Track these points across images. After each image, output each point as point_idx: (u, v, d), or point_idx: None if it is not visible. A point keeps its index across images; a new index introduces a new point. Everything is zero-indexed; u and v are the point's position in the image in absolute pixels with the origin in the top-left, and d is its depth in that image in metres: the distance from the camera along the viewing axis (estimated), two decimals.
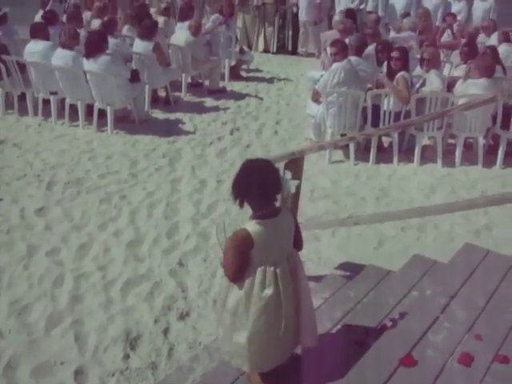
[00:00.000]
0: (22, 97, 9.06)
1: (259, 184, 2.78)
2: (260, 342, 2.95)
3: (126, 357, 4.04)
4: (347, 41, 8.26)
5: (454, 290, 3.75)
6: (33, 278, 4.92)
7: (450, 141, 7.99)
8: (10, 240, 5.49)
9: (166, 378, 3.80)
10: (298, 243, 3.08)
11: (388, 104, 7.48)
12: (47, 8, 10.76)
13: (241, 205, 2.85)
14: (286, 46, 14.62)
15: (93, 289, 4.79)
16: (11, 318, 4.40)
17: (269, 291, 2.86)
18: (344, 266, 5.10)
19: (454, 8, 13.29)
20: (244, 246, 2.81)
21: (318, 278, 4.84)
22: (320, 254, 5.37)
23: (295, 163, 4.33)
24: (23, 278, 4.91)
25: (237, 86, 11.15)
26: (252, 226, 2.82)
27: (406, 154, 7.76)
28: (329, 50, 8.70)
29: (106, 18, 9.83)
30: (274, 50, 14.44)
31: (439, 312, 3.49)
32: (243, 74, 12.05)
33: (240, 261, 2.84)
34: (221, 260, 3.02)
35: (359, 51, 8.10)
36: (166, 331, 4.31)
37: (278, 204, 3.00)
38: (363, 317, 3.77)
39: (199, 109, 9.66)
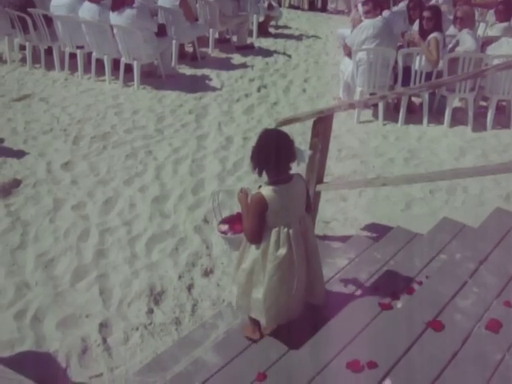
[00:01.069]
0: (49, 51, 9.03)
1: (275, 153, 2.97)
2: (274, 297, 3.13)
3: (150, 311, 4.07)
4: None
5: (484, 254, 3.67)
6: (59, 231, 4.95)
7: (482, 103, 7.79)
8: (36, 193, 5.52)
9: (189, 333, 3.81)
10: (308, 207, 3.26)
11: (420, 63, 7.28)
12: None
13: (260, 173, 3.05)
14: (316, 3, 14.34)
15: (118, 243, 4.81)
16: (38, 271, 4.45)
17: (283, 251, 3.05)
18: (370, 227, 5.05)
19: None
20: (259, 209, 3.01)
21: (343, 239, 4.80)
22: (346, 214, 5.31)
23: (324, 121, 4.25)
24: (49, 232, 4.95)
25: (265, 43, 10.99)
26: (266, 191, 3.01)
27: (437, 116, 7.59)
28: (360, 7, 8.50)
29: None
30: (306, 7, 14.16)
31: (468, 277, 3.42)
32: (271, 30, 11.86)
33: (257, 222, 3.05)
34: (218, 227, 3.51)
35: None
36: (189, 287, 4.33)
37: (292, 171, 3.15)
38: (389, 279, 3.72)
39: (226, 65, 9.55)
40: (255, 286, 3.18)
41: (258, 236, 3.07)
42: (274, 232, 3.05)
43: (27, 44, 8.98)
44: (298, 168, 3.13)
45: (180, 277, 4.42)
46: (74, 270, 4.46)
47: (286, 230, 3.05)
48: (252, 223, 3.06)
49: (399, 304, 3.39)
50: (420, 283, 3.62)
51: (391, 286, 3.61)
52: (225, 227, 3.53)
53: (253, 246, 3.13)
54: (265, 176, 3.06)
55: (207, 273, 4.48)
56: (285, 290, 3.11)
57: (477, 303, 3.18)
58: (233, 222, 3.54)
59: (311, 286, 3.27)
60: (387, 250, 4.19)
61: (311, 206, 3.37)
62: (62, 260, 4.59)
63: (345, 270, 4.00)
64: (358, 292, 3.67)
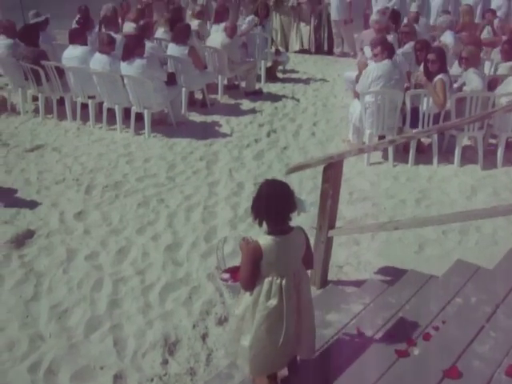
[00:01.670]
0: (61, 101, 9.18)
1: (274, 204, 3.04)
2: (260, 347, 3.16)
3: (165, 362, 4.05)
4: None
5: (500, 297, 3.64)
6: (72, 282, 4.96)
7: (491, 141, 7.80)
8: (49, 244, 5.55)
9: None
10: (308, 261, 3.30)
11: (427, 105, 7.34)
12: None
13: (260, 223, 3.10)
14: (322, 46, 14.53)
15: (131, 293, 4.80)
16: (51, 322, 4.45)
17: (273, 301, 3.10)
18: (384, 271, 5.03)
19: (494, 3, 12.92)
20: (254, 257, 3.06)
21: (357, 283, 4.78)
22: (359, 258, 5.30)
23: (334, 167, 4.28)
24: (63, 282, 4.96)
25: (273, 88, 11.11)
26: (264, 240, 3.06)
27: (446, 155, 7.61)
28: (366, 50, 8.62)
29: (142, 22, 9.91)
30: (312, 51, 14.34)
31: (485, 321, 3.38)
32: (279, 75, 12.00)
33: (250, 269, 3.09)
34: (220, 276, 3.47)
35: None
36: (204, 336, 4.30)
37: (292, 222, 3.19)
38: (405, 325, 3.69)
39: (236, 111, 9.65)
40: (243, 333, 3.22)
41: (250, 283, 3.12)
42: (266, 282, 3.10)
43: (40, 95, 9.15)
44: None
45: (194, 326, 4.40)
46: (88, 320, 4.46)
47: (278, 280, 3.09)
48: (246, 270, 3.11)
49: (416, 351, 3.35)
50: (436, 328, 3.58)
51: (407, 331, 3.57)
52: (226, 275, 3.53)
53: (247, 293, 3.18)
54: (265, 226, 3.11)
55: (221, 321, 4.45)
56: (272, 341, 3.14)
57: (495, 348, 3.13)
58: (235, 271, 3.55)
59: (300, 339, 3.27)
60: (402, 295, 4.16)
61: (312, 263, 3.41)
62: (76, 311, 4.59)
63: (360, 316, 3.97)
64: (374, 339, 3.64)
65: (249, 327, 3.17)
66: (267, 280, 3.09)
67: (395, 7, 12.46)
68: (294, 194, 3.10)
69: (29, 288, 4.88)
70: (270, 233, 3.08)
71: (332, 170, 4.27)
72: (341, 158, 4.31)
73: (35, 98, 9.52)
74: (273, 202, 3.03)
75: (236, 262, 3.57)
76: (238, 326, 3.24)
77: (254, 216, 3.11)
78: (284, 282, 3.09)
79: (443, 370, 2.97)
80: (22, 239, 5.62)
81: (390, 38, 8.98)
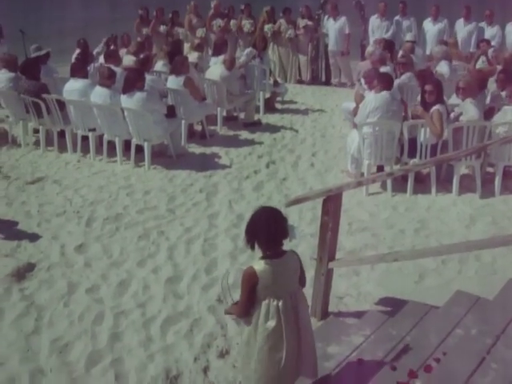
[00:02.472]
0: (62, 134, 9.25)
1: (267, 230, 3.18)
2: (264, 369, 3.28)
3: None
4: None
5: (500, 328, 3.65)
6: (73, 315, 4.96)
7: (489, 169, 7.86)
8: (50, 277, 5.57)
9: None
10: (301, 280, 3.43)
11: (425, 135, 7.40)
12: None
13: (252, 248, 3.24)
14: (320, 77, 14.67)
15: (132, 326, 4.81)
16: (52, 357, 4.44)
17: (272, 323, 3.21)
18: (384, 302, 5.03)
19: (488, 33, 13.06)
20: (250, 282, 3.19)
21: (358, 314, 4.78)
22: (359, 289, 5.30)
23: (333, 199, 4.32)
24: (64, 316, 4.96)
25: (272, 119, 11.19)
26: (258, 265, 3.21)
27: (444, 184, 7.65)
28: (362, 81, 8.73)
29: (142, 56, 10.02)
30: (308, 81, 14.48)
31: (486, 352, 3.39)
32: (278, 106, 12.10)
33: (247, 295, 3.22)
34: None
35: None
36: (205, 369, 4.30)
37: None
38: (406, 357, 3.69)
39: (235, 142, 9.71)
40: (250, 358, 3.33)
41: (246, 308, 3.25)
42: (263, 304, 3.23)
43: (41, 128, 9.22)
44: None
45: (196, 359, 4.39)
46: (89, 354, 4.46)
47: (275, 302, 3.22)
48: (242, 296, 3.23)
49: (418, 383, 3.35)
50: (437, 360, 3.58)
51: (408, 363, 3.58)
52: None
53: (248, 320, 3.30)
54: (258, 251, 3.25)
55: (223, 354, 4.45)
56: (274, 362, 3.24)
57: (496, 380, 3.14)
58: None
59: (301, 358, 3.36)
60: (402, 326, 4.17)
61: (305, 281, 3.52)
62: (77, 344, 4.59)
63: (361, 348, 3.98)
64: (376, 371, 3.64)
65: (253, 352, 3.29)
66: (264, 303, 3.22)
67: (391, 38, 12.63)
68: (286, 220, 3.24)
69: (29, 322, 4.88)
70: (263, 257, 3.23)
71: (331, 203, 4.31)
72: (340, 190, 4.36)
73: (36, 131, 9.59)
74: (265, 228, 3.17)
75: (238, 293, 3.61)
76: (246, 352, 3.35)
77: (247, 240, 3.25)
78: (281, 303, 3.22)
79: None
80: (23, 272, 5.63)
81: (387, 68, 9.08)
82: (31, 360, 4.43)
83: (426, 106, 7.51)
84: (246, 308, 3.25)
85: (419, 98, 8.07)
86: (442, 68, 10.08)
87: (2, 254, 5.99)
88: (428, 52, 12.62)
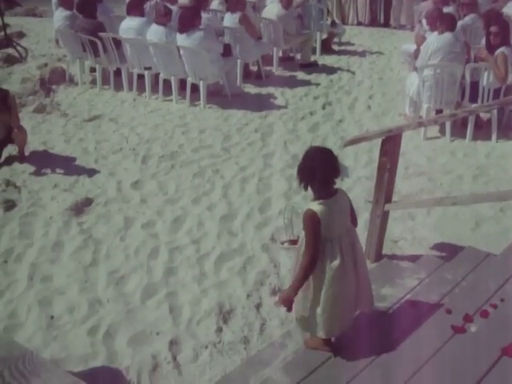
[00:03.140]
0: (118, 72, 9.30)
1: (321, 169, 3.14)
2: (331, 309, 3.26)
3: (219, 330, 4.11)
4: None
5: None
6: (129, 249, 5.07)
7: None
8: (107, 212, 5.68)
9: (258, 353, 3.82)
10: (353, 220, 3.43)
11: (488, 79, 7.11)
12: None
13: (305, 188, 3.22)
14: (378, 19, 14.24)
15: (187, 262, 4.88)
16: (109, 288, 4.57)
17: (336, 262, 3.20)
18: (440, 247, 4.95)
19: None
20: (314, 223, 3.13)
21: (412, 258, 4.72)
22: (414, 234, 5.22)
23: (392, 140, 4.21)
24: (120, 250, 5.07)
25: (328, 60, 10.95)
26: (316, 206, 3.16)
27: (505, 131, 7.36)
28: (424, 22, 8.40)
29: None
30: (366, 22, 14.08)
31: None
32: (335, 47, 11.82)
33: (315, 236, 3.15)
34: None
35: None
36: (258, 306, 4.34)
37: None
38: (461, 301, 3.63)
39: (291, 83, 9.56)
40: (313, 300, 3.29)
41: (317, 252, 3.15)
42: (328, 244, 3.20)
43: (97, 66, 9.28)
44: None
45: (248, 295, 4.44)
46: (145, 287, 4.56)
47: (337, 242, 3.21)
48: (310, 238, 3.14)
49: (473, 327, 3.29)
50: (494, 306, 3.50)
51: (464, 308, 3.51)
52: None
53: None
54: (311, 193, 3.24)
55: (275, 292, 4.47)
56: (339, 301, 3.26)
57: None
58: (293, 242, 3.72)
59: (360, 294, 3.40)
60: (459, 271, 4.08)
61: (356, 220, 3.52)
62: (133, 277, 4.70)
63: (415, 291, 3.93)
64: (430, 314, 3.59)
65: (317, 293, 3.25)
66: (327, 243, 3.19)
67: None
68: (337, 159, 3.21)
69: (87, 254, 5.02)
70: (317, 198, 3.19)
71: (390, 144, 4.20)
72: (399, 131, 4.24)
73: (93, 69, 9.66)
74: (318, 167, 3.14)
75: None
76: (305, 295, 3.29)
77: (299, 180, 3.23)
78: (342, 242, 3.22)
79: (501, 347, 2.92)
80: (81, 207, 5.76)
81: (449, 9, 8.70)
82: (89, 290, 4.56)
83: (491, 48, 7.17)
84: (317, 250, 3.16)
85: (483, 41, 7.73)
86: (510, 9, 9.60)
87: (61, 188, 6.13)
88: None
